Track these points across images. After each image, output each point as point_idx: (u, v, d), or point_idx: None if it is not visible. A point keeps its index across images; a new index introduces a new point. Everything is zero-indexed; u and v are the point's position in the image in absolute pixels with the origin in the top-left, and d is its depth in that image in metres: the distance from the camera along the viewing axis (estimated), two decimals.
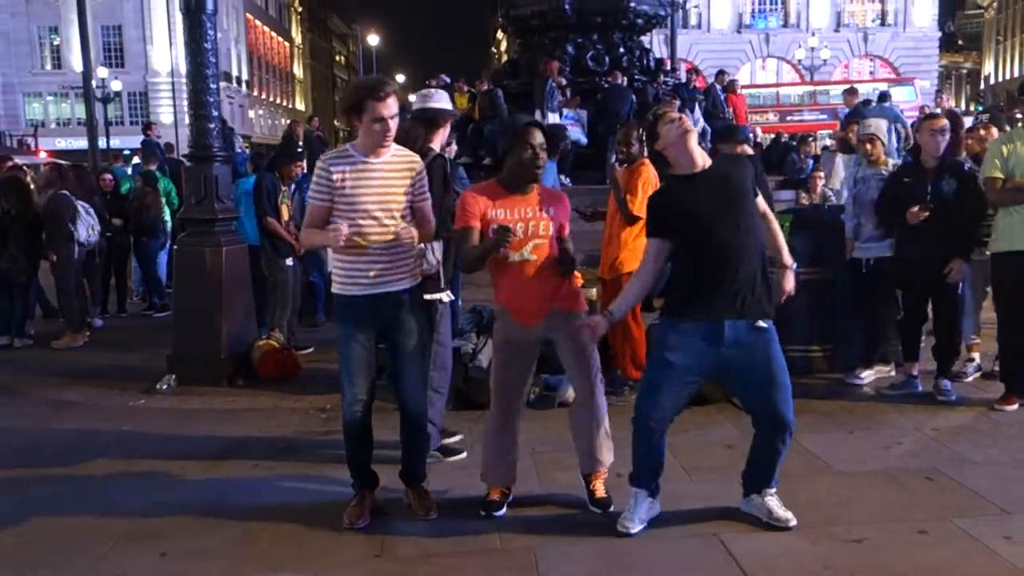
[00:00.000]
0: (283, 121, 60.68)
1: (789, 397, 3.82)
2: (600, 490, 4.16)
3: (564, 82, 12.97)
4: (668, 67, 16.67)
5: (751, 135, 15.50)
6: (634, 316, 5.96)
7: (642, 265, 3.95)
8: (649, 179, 5.80)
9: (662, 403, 3.82)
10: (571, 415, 4.26)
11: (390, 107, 3.86)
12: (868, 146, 5.95)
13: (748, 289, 3.71)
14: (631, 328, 5.96)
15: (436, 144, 4.90)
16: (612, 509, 4.05)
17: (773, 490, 3.96)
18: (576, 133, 12.44)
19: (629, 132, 6.00)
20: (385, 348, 4.15)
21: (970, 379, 6.15)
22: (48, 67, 49.02)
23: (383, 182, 3.94)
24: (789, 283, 4.04)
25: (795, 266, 4.11)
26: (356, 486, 4.17)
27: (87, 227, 8.72)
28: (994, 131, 6.07)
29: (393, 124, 3.89)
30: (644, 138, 5.92)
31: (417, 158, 4.13)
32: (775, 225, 4.10)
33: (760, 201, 3.92)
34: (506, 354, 4.10)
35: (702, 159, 3.83)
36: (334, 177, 3.89)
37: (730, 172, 3.85)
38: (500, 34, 67.26)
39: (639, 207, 5.76)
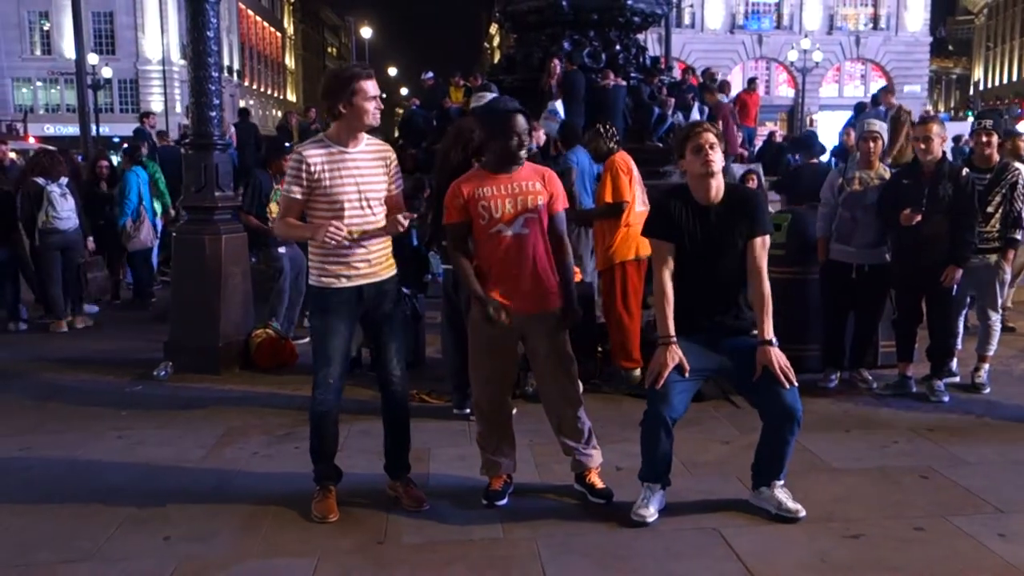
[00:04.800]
0: (274, 112, 60.57)
1: (795, 388, 3.89)
2: (599, 482, 4.20)
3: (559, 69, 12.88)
4: (664, 66, 16.73)
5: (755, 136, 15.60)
6: (627, 308, 6.05)
7: (657, 269, 4.03)
8: (618, 168, 6.03)
9: (673, 401, 3.88)
10: (554, 420, 4.24)
11: (376, 87, 3.91)
12: (871, 144, 5.96)
13: (729, 313, 4.00)
14: (623, 319, 6.05)
15: None
16: (615, 499, 4.10)
17: (782, 482, 4.03)
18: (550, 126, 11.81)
19: (593, 139, 6.39)
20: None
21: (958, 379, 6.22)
22: (38, 52, 48.74)
23: (361, 171, 3.92)
24: (764, 358, 3.81)
25: (775, 343, 3.86)
26: (321, 479, 4.13)
27: (67, 211, 8.56)
28: (995, 137, 6.10)
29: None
30: (613, 135, 6.21)
31: (389, 148, 4.13)
32: (765, 292, 3.90)
33: (757, 248, 3.90)
34: (490, 343, 4.07)
35: (716, 193, 3.92)
36: (312, 169, 3.85)
37: (733, 217, 3.92)
38: (493, 29, 67.24)
39: (611, 194, 6.01)
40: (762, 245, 3.93)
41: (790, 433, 3.91)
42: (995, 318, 6.14)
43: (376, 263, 4.00)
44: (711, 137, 3.88)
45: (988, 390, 6.02)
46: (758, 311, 3.89)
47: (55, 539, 3.89)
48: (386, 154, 4.05)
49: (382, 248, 4.04)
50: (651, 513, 3.95)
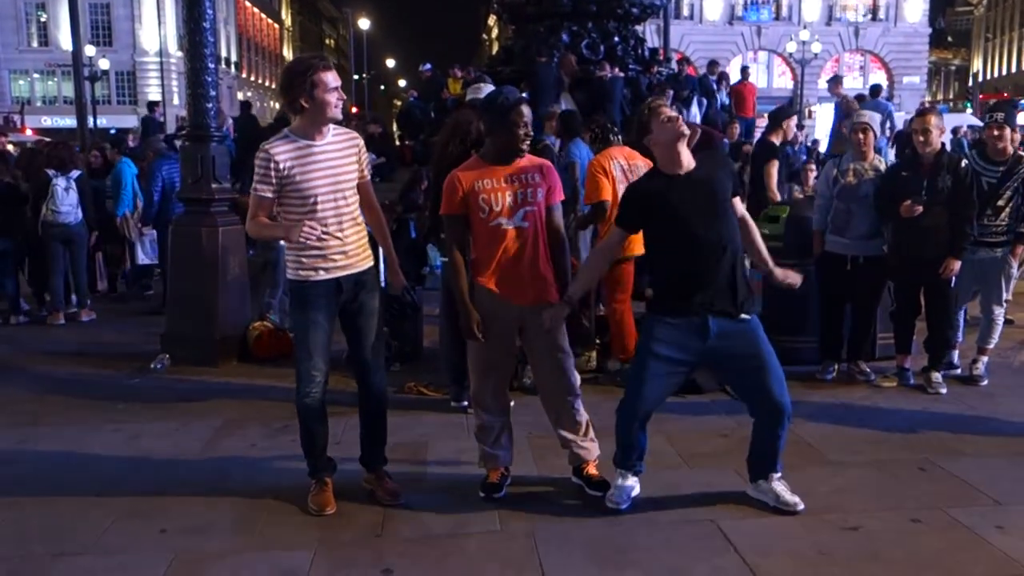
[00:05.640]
0: (271, 104, 60.37)
1: (783, 382, 3.89)
2: (597, 474, 4.20)
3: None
4: (662, 57, 16.72)
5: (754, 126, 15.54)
6: (621, 305, 6.04)
7: (598, 250, 4.04)
8: (593, 170, 6.02)
9: (647, 393, 3.91)
10: (551, 413, 4.25)
11: (337, 77, 3.86)
12: (861, 136, 5.96)
13: (724, 287, 3.82)
14: (614, 315, 6.04)
15: None
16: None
17: (779, 475, 4.03)
18: None
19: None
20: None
21: (958, 372, 6.22)
22: (35, 44, 48.47)
23: (332, 164, 3.88)
24: (781, 276, 3.99)
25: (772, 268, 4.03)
26: (316, 472, 4.12)
27: (67, 206, 8.56)
28: (1007, 130, 6.05)
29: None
30: (615, 129, 6.24)
31: (356, 135, 4.08)
32: (755, 232, 4.08)
33: (739, 204, 3.98)
34: (489, 333, 4.04)
35: (687, 162, 3.88)
36: (282, 166, 3.79)
37: (711, 176, 3.90)
38: (492, 20, 67.12)
39: (588, 194, 6.02)
40: (741, 200, 4.03)
41: (780, 428, 3.92)
42: (998, 312, 6.12)
43: (353, 254, 3.97)
44: (669, 111, 3.97)
45: (986, 382, 6.02)
46: (754, 247, 4.03)
47: (52, 531, 3.88)
48: (355, 142, 4.02)
49: (358, 239, 4.01)
50: (624, 501, 4.00)
